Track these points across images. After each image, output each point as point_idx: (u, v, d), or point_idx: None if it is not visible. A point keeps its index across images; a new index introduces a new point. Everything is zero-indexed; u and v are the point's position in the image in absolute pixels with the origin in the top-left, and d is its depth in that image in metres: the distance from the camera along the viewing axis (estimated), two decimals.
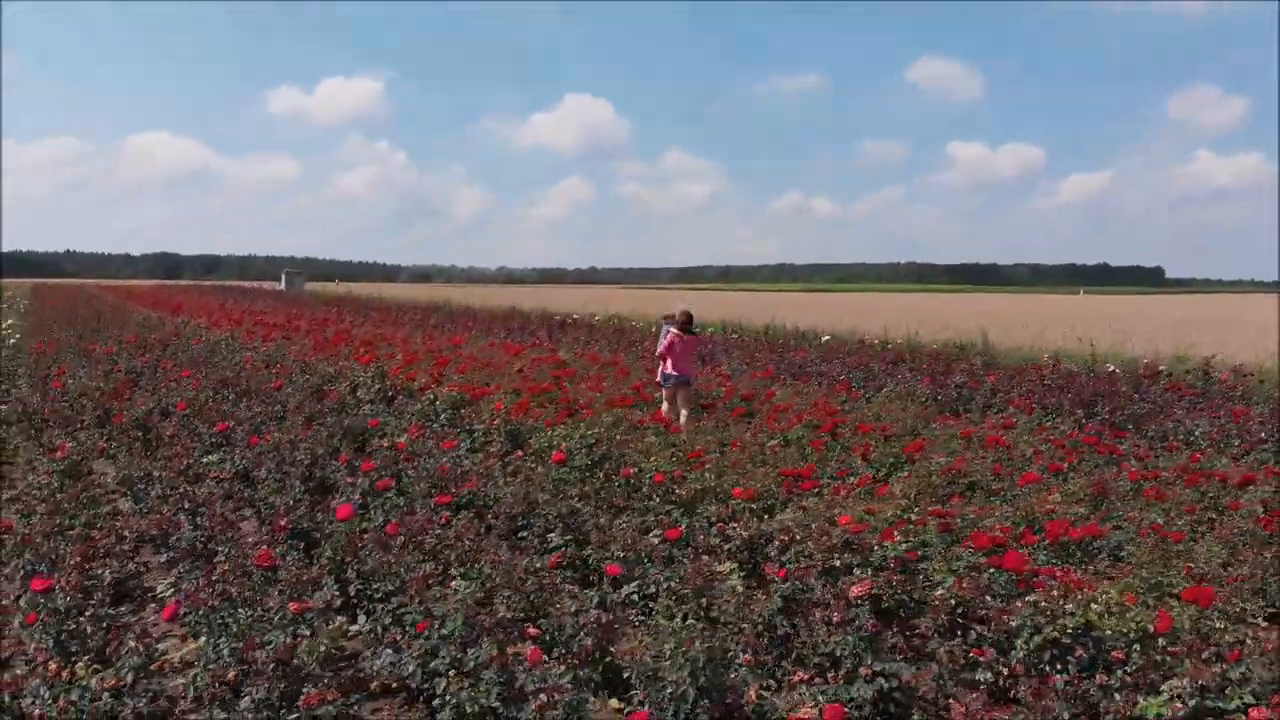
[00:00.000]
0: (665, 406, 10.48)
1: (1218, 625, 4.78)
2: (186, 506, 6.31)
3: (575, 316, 30.71)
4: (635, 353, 18.01)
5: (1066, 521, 5.83)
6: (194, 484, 7.32)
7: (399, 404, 11.16)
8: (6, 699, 3.53)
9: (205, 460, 8.07)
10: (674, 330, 10.80)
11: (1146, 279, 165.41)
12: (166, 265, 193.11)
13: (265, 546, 5.55)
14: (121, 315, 28.62)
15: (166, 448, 8.21)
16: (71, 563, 4.82)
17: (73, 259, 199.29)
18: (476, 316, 32.55)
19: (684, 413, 10.35)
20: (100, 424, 9.39)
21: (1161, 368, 16.37)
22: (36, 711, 3.43)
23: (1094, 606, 4.21)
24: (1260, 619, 5.49)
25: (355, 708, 4.14)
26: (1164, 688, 3.79)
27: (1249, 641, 4.32)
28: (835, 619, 4.06)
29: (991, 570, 5.02)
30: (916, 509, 6.48)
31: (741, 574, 5.71)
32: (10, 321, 25.35)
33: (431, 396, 10.64)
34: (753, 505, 6.40)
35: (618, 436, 8.77)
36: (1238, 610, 4.81)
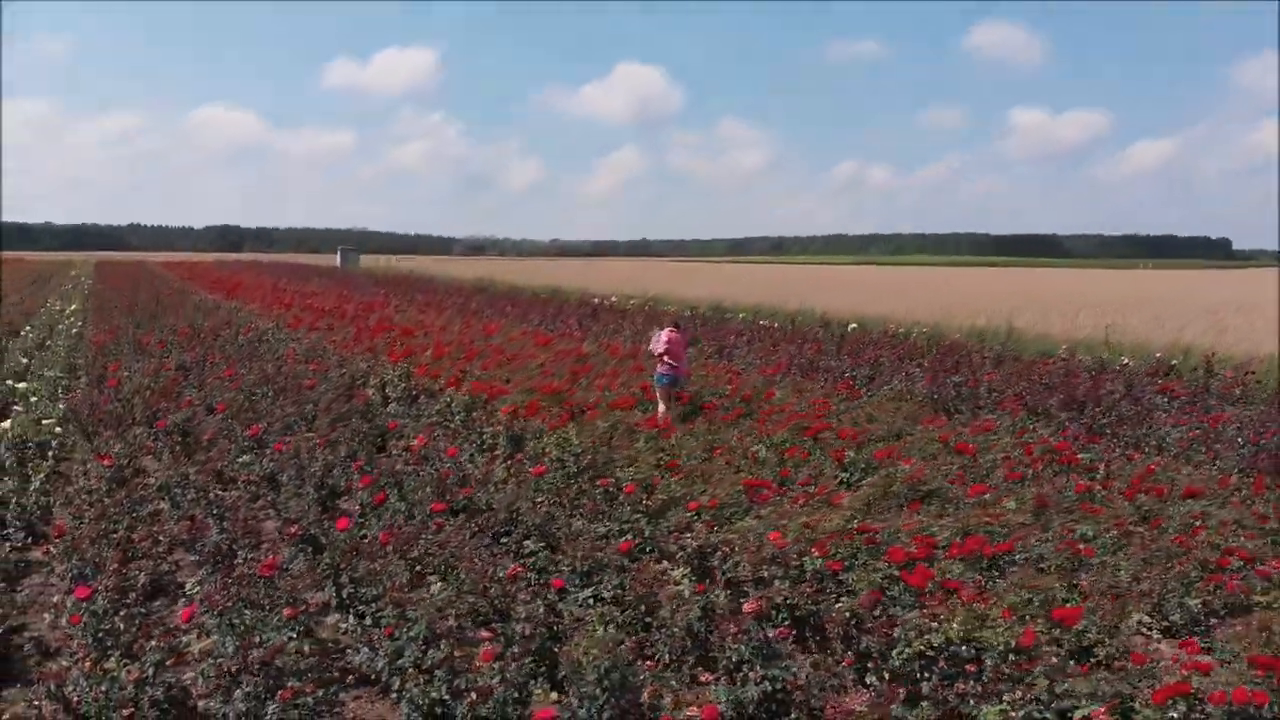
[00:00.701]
0: (661, 408, 11.19)
1: (1095, 638, 5.44)
2: (214, 511, 7.25)
3: (612, 300, 31.49)
4: None
5: (983, 538, 6.49)
6: (226, 487, 8.28)
7: (422, 404, 12.08)
8: (53, 686, 4.43)
9: (240, 461, 9.03)
10: (670, 330, 11.53)
11: (1213, 250, 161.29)
12: (229, 238, 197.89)
13: (274, 555, 6.44)
14: (180, 298, 30.09)
15: (204, 451, 9.19)
16: (111, 568, 5.75)
17: (137, 233, 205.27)
18: (519, 298, 33.55)
19: (669, 409, 11.13)
20: (149, 423, 10.41)
21: (1174, 361, 16.68)
22: (75, 698, 4.33)
23: (953, 625, 4.90)
24: (1154, 632, 6.12)
25: (337, 695, 5.00)
26: (1005, 697, 4.48)
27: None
28: (733, 630, 4.81)
29: (902, 584, 5.73)
30: (862, 519, 7.19)
31: (694, 579, 6.49)
32: (74, 306, 26.84)
33: (448, 399, 11.52)
34: (707, 516, 7.15)
35: (613, 440, 9.57)
36: (1112, 625, 5.45)
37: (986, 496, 7.94)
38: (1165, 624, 6.05)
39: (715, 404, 11.63)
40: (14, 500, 7.58)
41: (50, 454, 9.26)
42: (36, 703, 4.45)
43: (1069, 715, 4.46)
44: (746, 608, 4.98)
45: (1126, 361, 16.88)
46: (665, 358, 11.41)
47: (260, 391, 12.18)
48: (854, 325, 22.94)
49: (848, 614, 5.19)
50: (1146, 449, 10.17)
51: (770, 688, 4.60)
